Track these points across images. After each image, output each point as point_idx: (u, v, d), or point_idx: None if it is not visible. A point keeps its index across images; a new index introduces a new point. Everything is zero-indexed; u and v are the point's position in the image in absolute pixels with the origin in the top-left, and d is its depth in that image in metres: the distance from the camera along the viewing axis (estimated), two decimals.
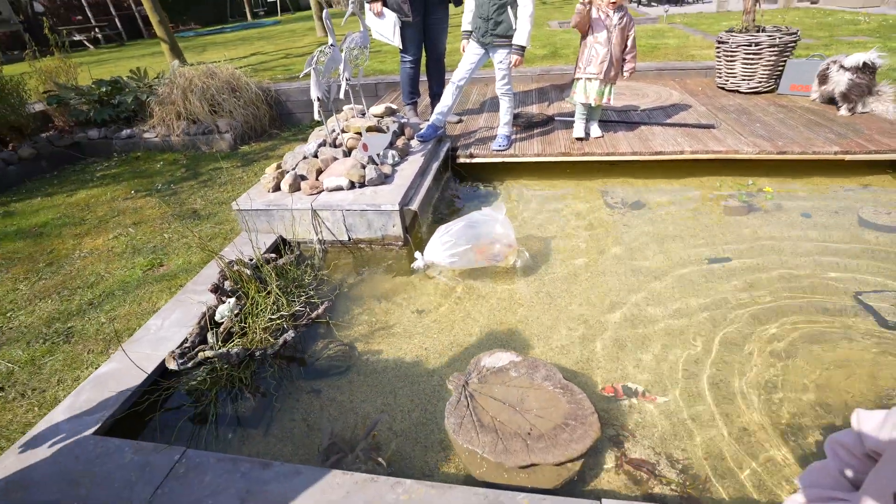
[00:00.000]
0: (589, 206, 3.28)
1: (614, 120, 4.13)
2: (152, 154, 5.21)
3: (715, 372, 1.96)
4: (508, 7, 3.16)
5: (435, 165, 3.31)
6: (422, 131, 3.53)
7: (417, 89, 4.21)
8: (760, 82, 4.58)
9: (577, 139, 3.74)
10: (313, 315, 2.29)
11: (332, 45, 3.01)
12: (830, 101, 4.17)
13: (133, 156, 5.20)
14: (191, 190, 4.13)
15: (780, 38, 4.34)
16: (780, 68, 4.54)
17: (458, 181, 3.75)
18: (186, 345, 2.04)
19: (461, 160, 3.69)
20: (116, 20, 19.92)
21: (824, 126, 3.71)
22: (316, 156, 3.12)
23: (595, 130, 3.79)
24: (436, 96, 4.18)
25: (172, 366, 1.96)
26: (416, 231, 3.01)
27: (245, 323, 2.17)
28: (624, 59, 3.38)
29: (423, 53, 4.05)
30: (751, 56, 4.46)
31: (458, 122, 4.36)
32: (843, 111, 3.95)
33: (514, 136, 3.87)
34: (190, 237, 3.23)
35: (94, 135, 5.30)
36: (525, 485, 1.52)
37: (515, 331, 2.26)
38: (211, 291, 2.26)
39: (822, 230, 2.81)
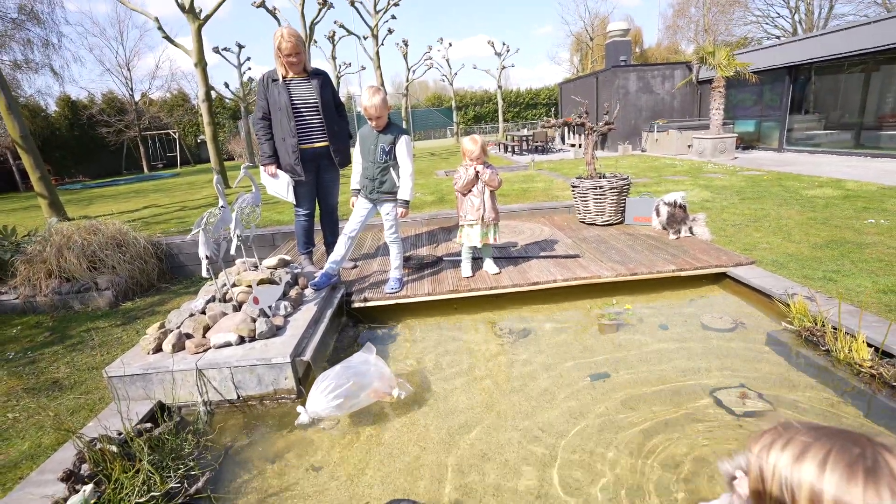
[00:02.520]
0: (480, 338, 3.49)
1: (497, 256, 4.61)
2: (8, 318, 4.64)
3: (612, 483, 2.04)
4: (391, 169, 3.63)
5: (329, 312, 3.37)
6: (316, 280, 3.64)
7: (312, 239, 4.42)
8: (610, 216, 5.51)
9: (466, 278, 4.08)
10: (192, 490, 2.04)
11: (222, 206, 3.16)
12: (664, 228, 5.14)
13: None
14: (53, 356, 3.68)
15: (616, 182, 5.38)
16: (623, 205, 5.54)
17: (354, 325, 3.80)
18: None
19: (356, 304, 3.80)
20: None
21: (662, 249, 4.49)
22: (204, 312, 3.04)
23: (491, 267, 4.17)
24: (330, 245, 4.41)
25: None
26: (310, 382, 2.93)
27: None
28: (494, 197, 3.91)
29: (317, 207, 4.35)
30: (598, 196, 5.42)
31: (353, 268, 4.56)
32: (671, 235, 4.90)
33: (405, 278, 4.12)
34: (42, 415, 2.81)
35: None
36: None
37: (416, 475, 2.19)
38: (61, 480, 1.95)
39: (678, 338, 3.25)
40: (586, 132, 5.55)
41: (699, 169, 10.73)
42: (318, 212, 4.40)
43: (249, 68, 22.65)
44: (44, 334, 4.17)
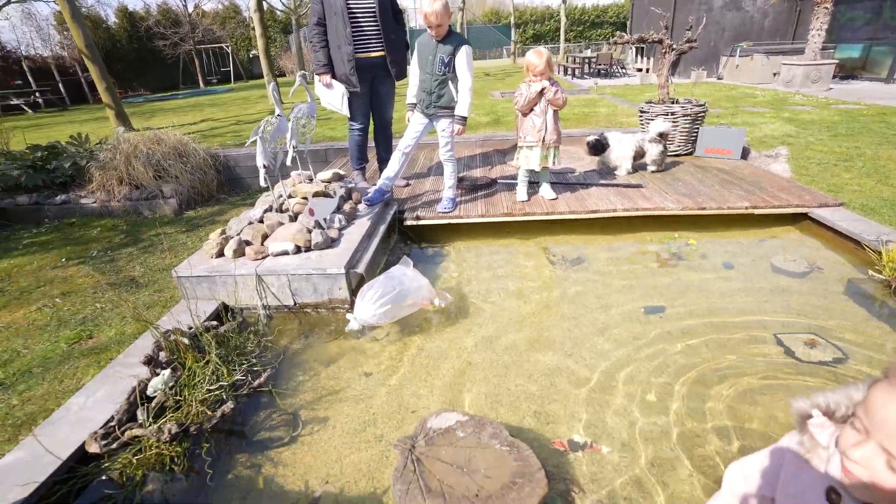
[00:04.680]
0: (532, 264, 3.43)
1: (554, 182, 4.41)
2: (89, 220, 5.01)
3: (659, 418, 2.03)
4: (450, 82, 3.42)
5: (382, 228, 3.38)
6: (369, 195, 3.63)
7: (366, 155, 4.37)
8: (680, 146, 5.08)
9: (521, 202, 3.95)
10: (255, 384, 2.20)
11: (278, 115, 3.12)
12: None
13: (67, 222, 4.97)
14: (129, 257, 3.97)
15: (691, 108, 4.89)
16: (695, 134, 5.07)
17: (406, 243, 3.82)
18: (112, 423, 1.90)
19: (408, 222, 3.79)
20: (60, 85, 19.59)
21: (735, 184, 4.13)
22: (262, 221, 3.12)
23: (548, 192, 4.02)
24: (383, 161, 4.34)
25: (94, 448, 1.80)
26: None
27: (181, 396, 2.05)
28: (557, 117, 3.66)
29: (371, 122, 4.25)
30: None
31: (405, 186, 4.51)
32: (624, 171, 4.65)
33: (458, 199, 4.04)
34: (124, 307, 3.08)
35: (24, 201, 5.06)
36: None
37: (463, 388, 2.26)
38: (144, 364, 2.14)
39: (743, 278, 3.05)
40: (663, 51, 4.99)
41: (783, 100, 9.60)
42: (371, 127, 4.30)
43: None
44: (119, 236, 4.48)
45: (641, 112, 5.20)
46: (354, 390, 2.29)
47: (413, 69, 3.59)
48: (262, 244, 2.92)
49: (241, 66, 28.24)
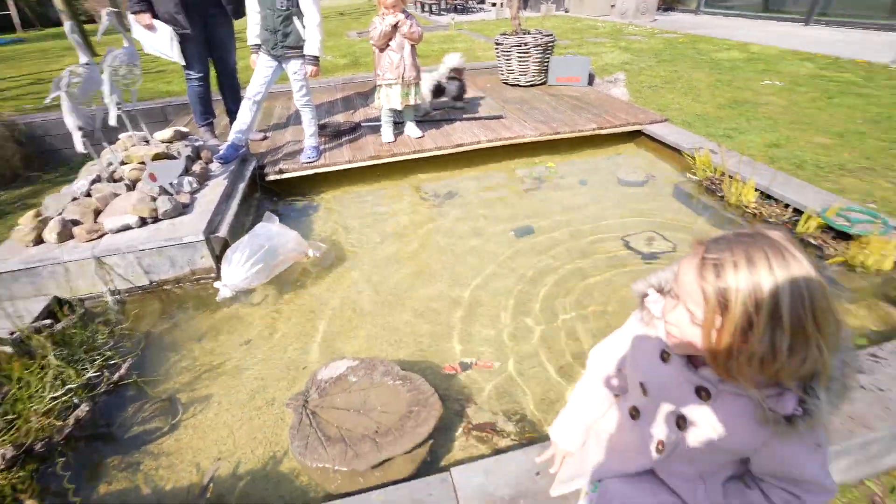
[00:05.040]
0: (406, 203, 3.44)
1: (419, 120, 4.37)
2: None
3: (535, 327, 2.24)
4: (295, 18, 3.11)
5: (241, 186, 3.10)
6: (221, 153, 3.26)
7: (211, 109, 3.88)
8: (534, 76, 5.32)
9: (387, 143, 3.86)
10: (115, 378, 1.96)
11: (86, 63, 2.58)
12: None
13: None
14: None
15: (541, 39, 5.10)
16: (546, 64, 5.34)
17: (271, 199, 3.56)
18: None
19: (271, 177, 3.52)
20: None
21: (584, 109, 4.49)
22: (89, 195, 2.65)
23: (413, 130, 3.95)
24: (233, 113, 3.90)
25: None
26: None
27: (13, 413, 1.74)
28: (415, 53, 3.57)
29: (213, 70, 3.74)
30: (522, 55, 5.16)
31: (263, 139, 4.14)
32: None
33: (322, 147, 3.83)
34: None
35: None
36: (381, 482, 1.53)
37: (351, 335, 2.26)
38: None
39: (595, 193, 3.41)
40: None
41: (620, 31, 10.50)
42: (214, 76, 3.80)
43: None
44: None
45: (497, 44, 5.30)
46: (236, 360, 2.16)
47: (251, 5, 3.17)
48: (94, 221, 2.50)
49: (27, 8, 22.67)
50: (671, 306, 0.91)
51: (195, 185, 2.84)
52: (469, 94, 5.15)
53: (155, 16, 3.22)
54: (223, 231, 2.58)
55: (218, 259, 2.54)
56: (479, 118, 4.35)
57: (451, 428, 1.80)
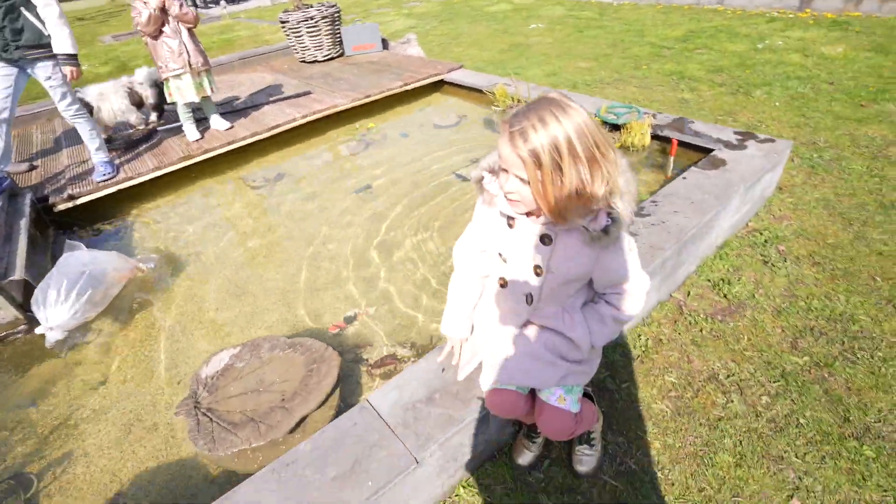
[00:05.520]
0: (234, 197, 3.24)
1: (223, 112, 4.06)
2: None
3: (393, 260, 2.37)
4: (22, 9, 2.58)
5: (23, 224, 2.55)
6: None
7: None
8: (330, 49, 5.29)
9: (195, 141, 3.52)
10: None
11: None
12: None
13: None
14: None
15: (326, 10, 5.07)
16: (339, 36, 5.35)
17: (72, 230, 3.00)
18: None
19: (60, 207, 2.96)
20: None
21: (386, 71, 4.66)
22: None
23: (220, 123, 3.64)
24: None
25: None
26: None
27: None
28: (194, 37, 3.28)
29: None
30: (312, 29, 5.07)
31: (30, 170, 3.42)
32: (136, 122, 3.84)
33: (116, 161, 3.32)
34: None
35: None
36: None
37: (220, 332, 2.13)
38: None
39: (418, 141, 3.64)
40: None
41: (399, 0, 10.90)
42: None
43: None
44: None
45: (283, 23, 5.11)
46: (92, 406, 1.88)
47: None
48: None
49: None
50: (504, 179, 1.11)
51: None
52: (268, 79, 4.93)
53: None
54: (18, 272, 2.13)
55: (23, 307, 2.11)
56: (287, 98, 4.22)
57: (355, 374, 1.87)
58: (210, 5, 14.88)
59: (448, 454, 1.39)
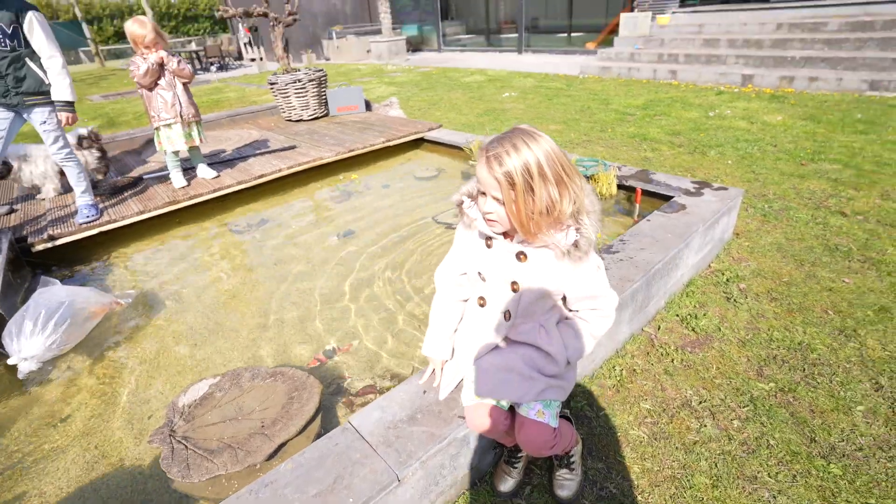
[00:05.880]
0: (216, 241, 3.28)
1: (210, 163, 4.18)
2: None
3: (375, 304, 2.42)
4: (28, 60, 2.73)
5: (0, 262, 2.53)
6: None
7: None
8: (315, 109, 5.59)
9: (182, 188, 3.60)
10: None
11: None
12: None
13: None
14: None
15: (314, 74, 5.41)
16: (325, 97, 5.67)
17: (49, 271, 2.96)
18: None
19: (39, 247, 2.95)
20: None
21: (370, 129, 4.93)
22: None
23: (207, 172, 3.75)
24: None
25: None
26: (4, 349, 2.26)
27: None
28: (188, 91, 3.46)
29: None
30: (300, 90, 5.38)
31: (9, 213, 3.42)
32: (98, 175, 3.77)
33: (101, 205, 3.36)
34: None
35: None
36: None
37: (197, 368, 2.10)
38: None
39: (399, 191, 3.81)
40: (270, 23, 5.27)
41: (381, 70, 11.66)
42: None
43: None
44: None
45: (271, 84, 5.41)
46: (52, 443, 1.80)
47: None
48: None
49: None
50: (483, 202, 1.23)
51: None
52: (255, 135, 5.13)
53: None
54: None
55: None
56: (273, 151, 4.39)
57: (335, 406, 1.86)
58: (200, 72, 15.57)
59: (430, 474, 1.39)
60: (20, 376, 1.96)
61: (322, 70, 5.54)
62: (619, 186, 3.17)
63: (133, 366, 2.12)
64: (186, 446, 1.54)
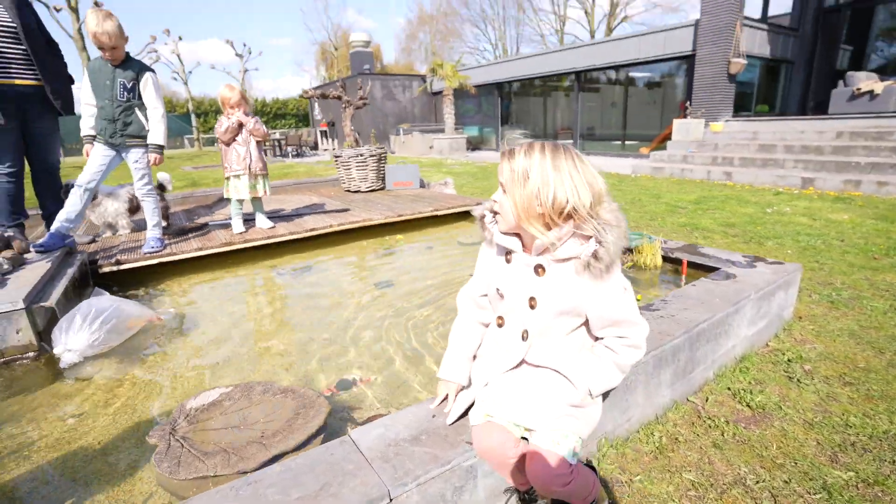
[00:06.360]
0: (262, 282, 3.41)
1: (270, 216, 4.49)
2: None
3: (403, 344, 2.35)
4: (137, 109, 3.19)
5: (70, 272, 2.75)
6: (41, 242, 2.91)
7: (23, 208, 3.47)
8: (373, 183, 5.98)
9: (239, 234, 3.86)
10: None
11: None
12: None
13: None
14: None
15: (376, 150, 5.89)
16: (383, 172, 6.09)
17: (111, 291, 3.17)
18: None
19: (105, 269, 3.19)
20: None
21: (421, 200, 5.18)
22: None
23: (264, 222, 4.03)
24: (50, 217, 3.54)
25: None
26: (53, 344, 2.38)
27: None
28: (259, 148, 3.83)
29: (29, 168, 3.45)
30: (361, 164, 5.83)
31: (91, 242, 3.77)
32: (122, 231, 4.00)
33: (167, 242, 3.65)
34: None
35: None
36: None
37: (217, 383, 2.07)
38: None
39: (441, 253, 3.86)
40: (343, 105, 5.90)
41: (441, 163, 12.50)
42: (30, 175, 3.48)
43: None
44: None
45: (336, 157, 5.92)
46: (56, 434, 1.78)
47: (86, 97, 3.15)
48: None
49: None
50: (499, 194, 1.24)
51: (7, 267, 2.46)
52: (314, 199, 5.53)
53: None
54: (52, 300, 2.24)
55: (41, 336, 2.16)
56: (328, 211, 4.68)
57: (343, 430, 1.75)
58: (279, 157, 17.36)
59: (427, 503, 1.23)
60: (62, 366, 2.04)
61: (383, 147, 6.03)
62: (665, 259, 3.06)
63: (159, 373, 2.14)
64: (182, 445, 1.48)
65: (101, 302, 2.24)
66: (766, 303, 2.36)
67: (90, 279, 3.09)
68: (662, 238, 3.27)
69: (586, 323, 1.28)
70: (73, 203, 3.10)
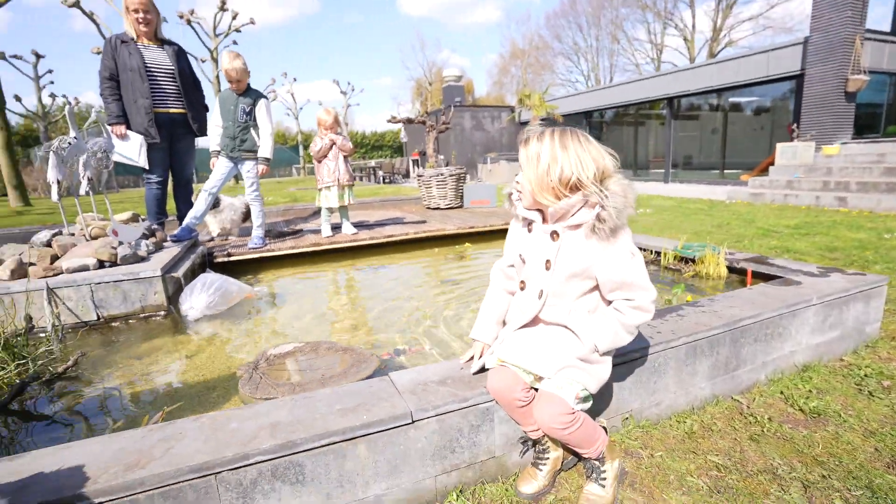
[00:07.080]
0: (343, 276, 3.85)
1: (354, 223, 5.00)
2: None
3: (460, 332, 2.57)
4: (252, 129, 3.86)
5: (193, 256, 3.39)
6: (175, 233, 3.62)
7: (165, 210, 4.30)
8: (451, 201, 6.36)
9: (326, 237, 4.39)
10: (59, 370, 1.99)
11: (74, 136, 3.04)
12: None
13: None
14: None
15: (455, 170, 6.28)
16: (461, 191, 6.45)
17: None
18: None
19: (219, 259, 3.83)
20: None
21: (494, 216, 5.42)
22: (49, 245, 2.83)
23: (349, 228, 4.54)
24: (182, 218, 4.33)
25: None
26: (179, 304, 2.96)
27: None
28: (347, 162, 4.36)
29: (170, 176, 4.28)
30: (441, 183, 6.24)
31: (210, 240, 4.52)
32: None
33: (267, 242, 4.26)
34: None
35: None
36: None
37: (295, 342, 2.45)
38: None
39: None
40: (427, 129, 6.42)
41: None
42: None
43: (52, 82, 19.82)
44: None
45: (419, 177, 6.40)
46: (173, 370, 2.23)
47: (215, 120, 3.91)
48: (51, 264, 2.65)
49: None
50: (521, 175, 1.45)
51: (151, 248, 3.12)
52: (396, 214, 6.01)
53: (129, 127, 3.83)
54: (180, 271, 2.82)
55: (170, 299, 2.73)
56: (407, 223, 5.10)
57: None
58: (371, 182, 18.71)
59: (445, 432, 1.43)
60: (188, 319, 2.63)
61: (463, 168, 6.41)
62: (731, 269, 2.98)
63: (251, 332, 2.58)
64: (261, 377, 1.83)
65: (213, 277, 2.76)
66: (836, 312, 2.24)
67: (207, 266, 3.75)
68: (728, 249, 3.18)
69: (598, 288, 1.42)
70: (199, 204, 3.81)
